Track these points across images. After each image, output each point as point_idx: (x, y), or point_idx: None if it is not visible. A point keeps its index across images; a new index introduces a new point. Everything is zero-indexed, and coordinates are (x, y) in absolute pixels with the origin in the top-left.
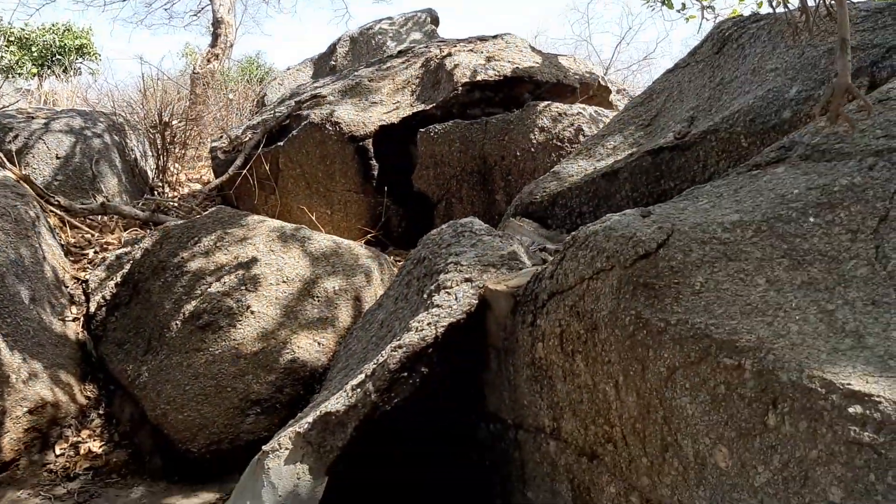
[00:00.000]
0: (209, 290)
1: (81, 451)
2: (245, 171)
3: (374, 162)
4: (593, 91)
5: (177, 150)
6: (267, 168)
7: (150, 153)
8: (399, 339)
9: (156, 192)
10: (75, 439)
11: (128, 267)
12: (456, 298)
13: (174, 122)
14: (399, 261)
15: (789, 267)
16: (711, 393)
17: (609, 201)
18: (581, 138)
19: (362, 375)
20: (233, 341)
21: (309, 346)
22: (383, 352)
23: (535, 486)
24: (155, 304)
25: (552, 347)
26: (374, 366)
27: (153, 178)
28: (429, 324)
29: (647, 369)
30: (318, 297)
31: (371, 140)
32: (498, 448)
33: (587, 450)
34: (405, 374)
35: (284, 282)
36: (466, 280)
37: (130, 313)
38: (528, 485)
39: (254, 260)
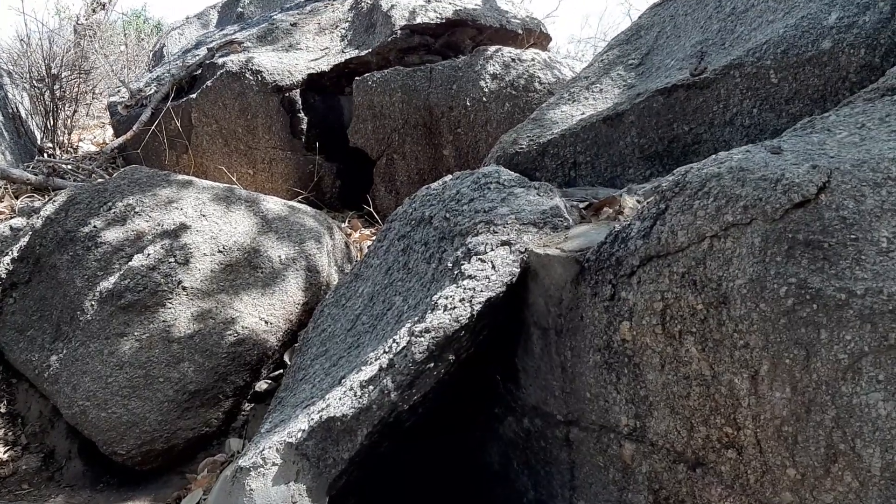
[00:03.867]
0: (130, 263)
1: None
2: (153, 127)
3: (302, 115)
4: (534, 38)
5: (67, 108)
6: (178, 124)
7: (36, 111)
8: (422, 321)
9: (46, 155)
10: None
11: (26, 239)
12: (493, 267)
13: (63, 75)
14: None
15: None
16: None
17: (610, 149)
18: (537, 86)
19: (374, 368)
20: (163, 323)
21: (255, 326)
22: (398, 337)
23: (591, 494)
24: (63, 281)
25: (646, 328)
26: (392, 356)
27: (42, 139)
28: (461, 300)
29: (815, 356)
30: (262, 268)
31: (298, 91)
32: (535, 447)
33: (689, 456)
34: (431, 364)
35: (221, 252)
36: (504, 243)
37: (32, 293)
38: (580, 492)
39: (183, 227)
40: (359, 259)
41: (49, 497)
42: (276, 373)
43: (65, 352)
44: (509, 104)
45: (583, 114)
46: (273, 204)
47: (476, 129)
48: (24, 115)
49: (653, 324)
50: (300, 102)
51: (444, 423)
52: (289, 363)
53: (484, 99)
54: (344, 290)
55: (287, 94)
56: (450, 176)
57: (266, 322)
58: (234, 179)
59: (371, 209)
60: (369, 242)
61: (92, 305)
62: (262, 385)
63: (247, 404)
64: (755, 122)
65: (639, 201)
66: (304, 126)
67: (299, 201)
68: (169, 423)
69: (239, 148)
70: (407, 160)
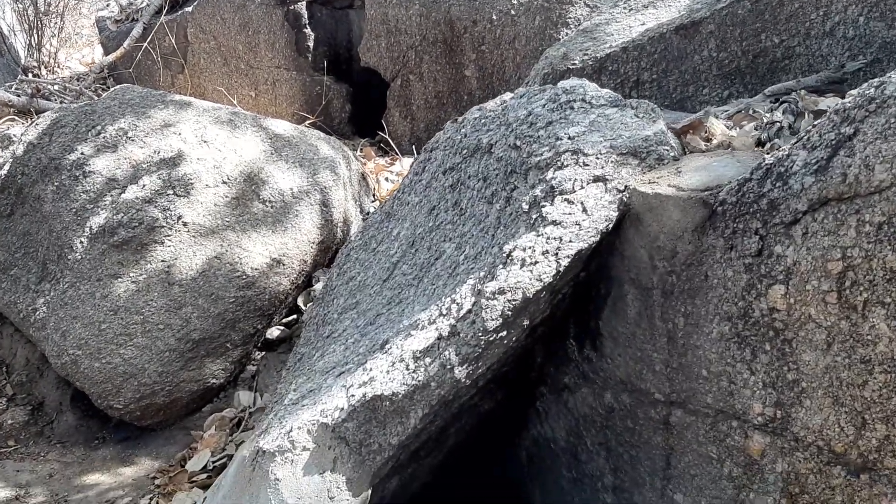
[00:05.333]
0: (123, 196)
1: None
2: (146, 44)
3: (308, 30)
4: None
5: (53, 23)
6: (172, 41)
7: (19, 28)
8: (493, 278)
9: (31, 75)
10: None
11: (7, 167)
12: (584, 210)
13: None
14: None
15: None
16: None
17: (682, 65)
18: None
19: (430, 335)
20: (162, 263)
21: (265, 268)
22: (458, 296)
23: (693, 487)
24: (49, 215)
25: (812, 294)
26: (453, 321)
27: (26, 58)
28: (544, 253)
29: None
30: (271, 201)
31: (304, 3)
32: (618, 427)
33: (853, 459)
34: (504, 333)
35: (225, 182)
36: (597, 179)
37: (15, 228)
38: (677, 483)
39: (181, 155)
40: (377, 193)
41: (38, 455)
42: (290, 319)
43: (52, 294)
44: (541, 18)
45: (644, 25)
46: (282, 128)
47: (502, 46)
48: (6, 31)
49: (823, 290)
50: (306, 16)
51: (499, 391)
52: (304, 308)
53: (512, 12)
54: (374, 232)
55: (292, 7)
56: (508, 94)
57: (278, 262)
58: (235, 102)
59: (385, 136)
60: (386, 174)
61: (81, 243)
62: (273, 332)
63: (257, 353)
64: (860, 33)
65: (728, 126)
66: (311, 43)
67: (306, 127)
68: (170, 374)
69: (239, 67)
70: (424, 81)
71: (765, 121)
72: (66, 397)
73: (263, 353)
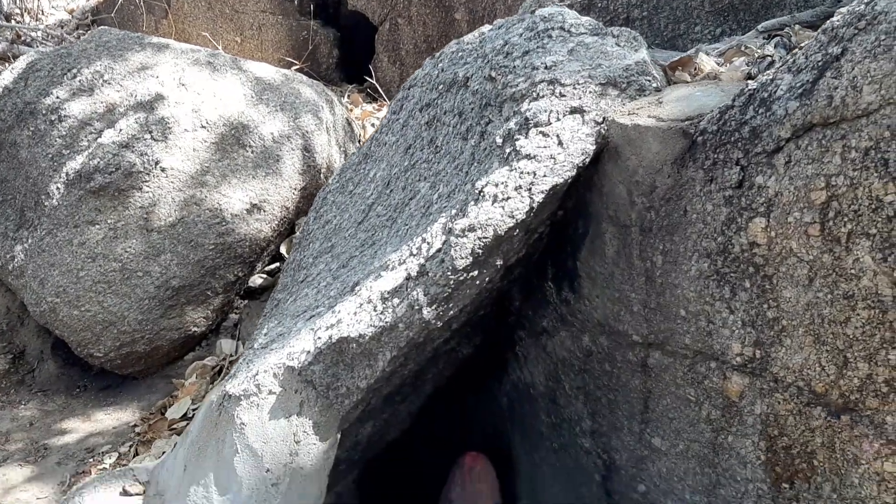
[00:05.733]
0: (100, 140)
1: None
2: None
3: None
4: None
5: None
6: None
7: None
8: (463, 215)
9: (13, 22)
10: None
11: None
12: (559, 143)
13: None
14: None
15: None
16: None
17: (673, 0)
18: None
19: (399, 275)
20: (140, 209)
21: (246, 214)
22: (429, 235)
23: (671, 431)
24: (25, 161)
25: (794, 226)
26: (423, 260)
27: (8, 5)
28: (517, 188)
29: None
30: (252, 146)
31: None
32: (596, 371)
33: (834, 399)
34: (475, 272)
35: (204, 127)
36: (574, 111)
37: None
38: (655, 427)
39: (159, 98)
40: (363, 139)
41: (19, 403)
42: (273, 266)
43: (30, 241)
44: None
45: None
46: (263, 71)
47: None
48: None
49: (805, 221)
50: None
51: (477, 336)
52: (287, 256)
53: None
54: (351, 174)
55: None
56: (488, 26)
57: (258, 209)
58: (220, 48)
59: (373, 82)
60: (374, 120)
61: (58, 189)
62: (256, 280)
63: (239, 301)
64: None
65: (719, 63)
66: None
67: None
68: (151, 322)
69: (224, 12)
70: (413, 26)
71: (756, 56)
72: (47, 346)
73: (246, 301)
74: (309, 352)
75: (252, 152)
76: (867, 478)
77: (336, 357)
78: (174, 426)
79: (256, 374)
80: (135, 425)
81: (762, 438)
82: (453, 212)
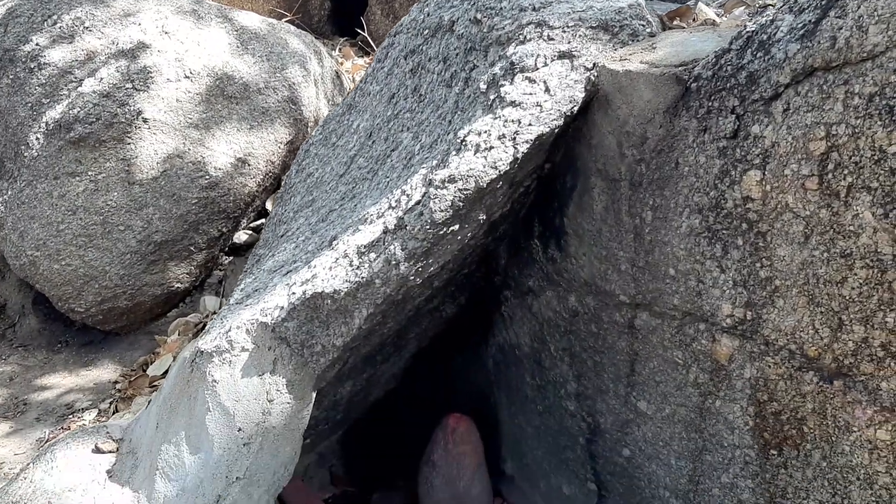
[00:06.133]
0: (80, 89)
1: None
2: None
3: None
4: None
5: None
6: None
7: None
8: (444, 166)
9: None
10: None
11: None
12: (546, 90)
13: None
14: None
15: None
16: None
17: None
18: None
19: (376, 229)
20: (121, 161)
21: (230, 168)
22: (408, 187)
23: (658, 394)
24: (4, 110)
25: (790, 179)
26: (401, 213)
27: None
28: (500, 137)
29: None
30: (236, 97)
31: None
32: (582, 332)
33: (827, 364)
34: (456, 226)
35: (188, 77)
36: (562, 55)
37: None
38: (641, 391)
39: (142, 46)
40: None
41: None
42: (258, 223)
43: (9, 193)
44: None
45: None
46: (249, 20)
47: None
48: None
49: (803, 174)
50: None
51: (462, 295)
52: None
53: None
54: (334, 126)
55: None
56: None
57: (243, 163)
58: None
59: (366, 35)
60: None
61: (38, 139)
62: (241, 236)
63: (224, 258)
64: None
65: (718, 14)
66: None
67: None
68: (132, 277)
69: None
70: None
71: (758, 5)
72: (28, 300)
73: (231, 258)
74: (283, 307)
75: (237, 104)
76: (858, 445)
77: (311, 313)
78: (155, 383)
79: (229, 331)
80: (115, 382)
81: (751, 403)
82: (434, 163)
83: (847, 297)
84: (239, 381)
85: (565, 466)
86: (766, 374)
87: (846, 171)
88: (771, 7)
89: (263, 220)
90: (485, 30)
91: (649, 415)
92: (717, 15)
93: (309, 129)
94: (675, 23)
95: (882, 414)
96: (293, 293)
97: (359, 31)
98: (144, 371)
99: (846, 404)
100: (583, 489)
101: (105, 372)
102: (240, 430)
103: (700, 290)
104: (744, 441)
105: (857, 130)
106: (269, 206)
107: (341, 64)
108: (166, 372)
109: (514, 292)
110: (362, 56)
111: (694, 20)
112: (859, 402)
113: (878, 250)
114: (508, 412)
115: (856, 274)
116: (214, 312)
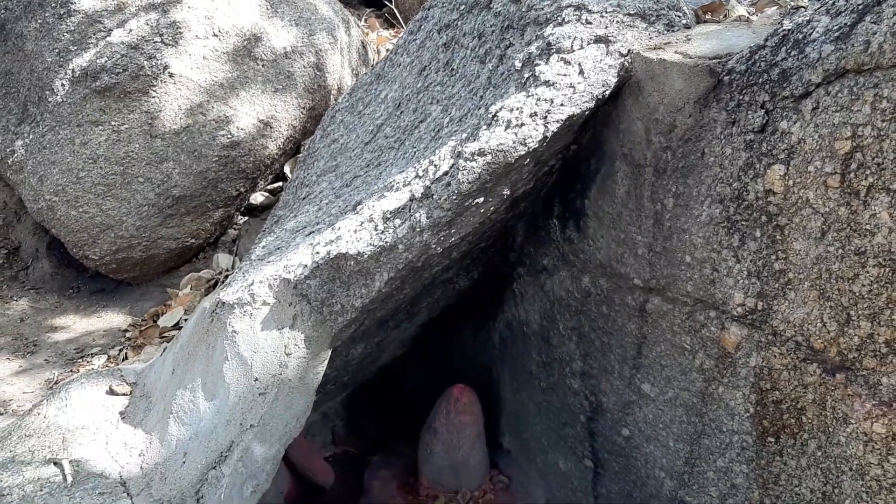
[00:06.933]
0: (109, 39)
1: None
2: None
3: None
4: None
5: None
6: None
7: None
8: (474, 139)
9: None
10: None
11: None
12: (580, 72)
13: None
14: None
15: None
16: None
17: None
18: None
19: (402, 196)
20: (145, 114)
21: (252, 129)
22: (436, 158)
23: (662, 378)
24: (31, 54)
25: (813, 176)
26: (428, 182)
27: None
28: (532, 115)
29: None
30: (263, 59)
31: None
32: (592, 313)
33: (832, 356)
34: (481, 199)
35: (216, 35)
36: (598, 40)
37: None
38: (646, 373)
39: (172, 1)
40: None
41: (11, 299)
42: (275, 185)
43: (31, 137)
44: None
45: None
46: None
47: None
48: None
49: (826, 171)
50: None
51: (476, 269)
52: (290, 176)
53: None
54: (361, 94)
55: None
56: None
57: (265, 125)
58: None
59: (392, 7)
60: (389, 45)
61: (63, 85)
62: (258, 197)
63: (240, 217)
64: None
65: (749, 13)
66: None
67: None
68: (149, 229)
69: None
70: None
71: (789, 6)
72: (43, 244)
73: (246, 217)
74: (306, 265)
75: (263, 66)
76: (854, 437)
77: (333, 273)
78: (165, 334)
79: (252, 284)
80: (126, 330)
81: (753, 391)
82: (464, 135)
83: (857, 294)
84: (258, 334)
85: (564, 443)
86: (771, 363)
87: (868, 172)
88: (803, 8)
89: (281, 184)
90: (523, 9)
91: (652, 397)
92: (749, 13)
93: (332, 97)
94: (708, 16)
95: (880, 408)
96: (317, 252)
97: (386, 2)
98: (155, 321)
99: (846, 397)
100: (579, 465)
101: (116, 320)
102: (256, 379)
103: (714, 278)
104: (743, 427)
105: (882, 133)
106: (287, 170)
107: (366, 35)
108: (177, 324)
109: (527, 270)
110: (387, 28)
111: (726, 16)
112: (859, 395)
113: (892, 250)
114: (511, 387)
115: (868, 271)
116: (227, 270)
